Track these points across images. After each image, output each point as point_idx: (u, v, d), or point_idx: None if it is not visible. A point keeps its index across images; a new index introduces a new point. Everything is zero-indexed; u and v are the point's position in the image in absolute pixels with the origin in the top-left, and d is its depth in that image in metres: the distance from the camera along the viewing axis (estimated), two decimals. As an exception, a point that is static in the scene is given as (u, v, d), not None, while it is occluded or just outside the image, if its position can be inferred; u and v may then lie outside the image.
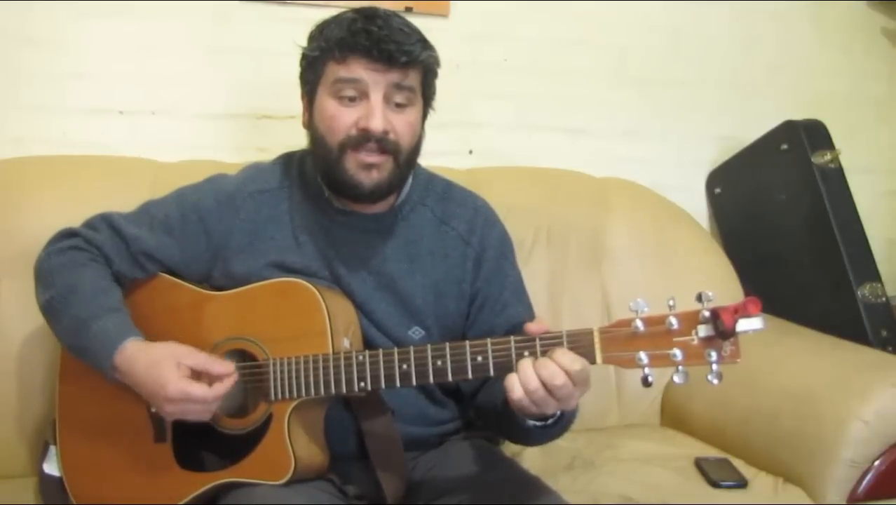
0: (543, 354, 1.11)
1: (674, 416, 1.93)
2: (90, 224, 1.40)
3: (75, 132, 1.86)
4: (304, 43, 1.34)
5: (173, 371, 1.21)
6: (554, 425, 1.22)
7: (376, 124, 1.26)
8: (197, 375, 1.23)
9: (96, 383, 1.31)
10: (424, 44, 1.30)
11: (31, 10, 1.81)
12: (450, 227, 1.41)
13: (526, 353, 1.11)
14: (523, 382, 1.09)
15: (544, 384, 1.08)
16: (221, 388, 1.23)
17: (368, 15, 1.28)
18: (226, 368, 1.24)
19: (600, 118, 2.27)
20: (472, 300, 1.41)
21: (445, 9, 2.09)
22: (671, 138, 2.34)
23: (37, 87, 1.84)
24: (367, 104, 1.27)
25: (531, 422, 1.20)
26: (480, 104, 2.15)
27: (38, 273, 1.38)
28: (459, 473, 1.34)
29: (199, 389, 1.21)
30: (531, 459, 1.65)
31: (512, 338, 1.13)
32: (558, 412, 1.19)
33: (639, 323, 1.07)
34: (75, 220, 1.42)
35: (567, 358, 1.09)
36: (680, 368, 1.05)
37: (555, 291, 1.95)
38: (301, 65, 1.36)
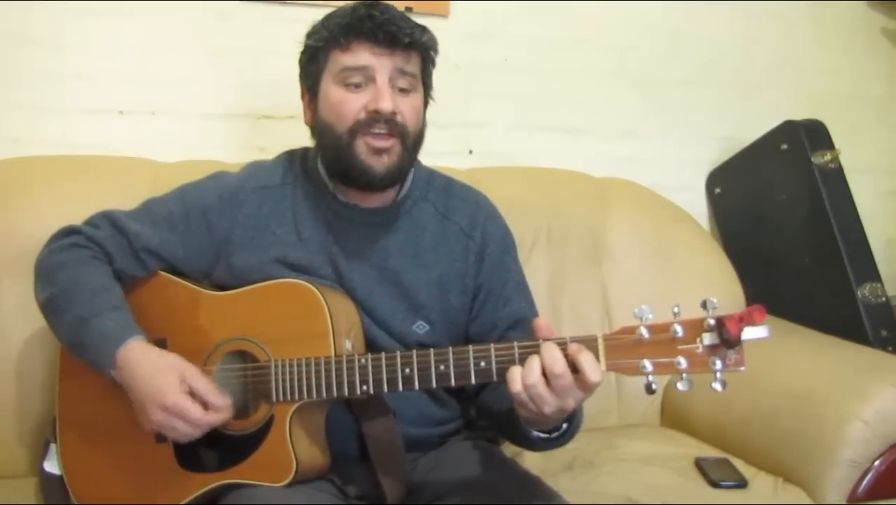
0: None
1: (674, 416, 1.93)
2: (91, 222, 1.40)
3: (75, 132, 1.86)
4: (304, 42, 1.35)
5: (175, 384, 1.22)
6: (558, 438, 1.22)
7: (385, 105, 1.27)
8: (194, 397, 1.23)
9: (97, 382, 1.31)
10: (423, 29, 1.33)
11: (32, 10, 1.81)
12: (452, 222, 1.41)
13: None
14: (524, 373, 1.08)
15: (544, 372, 1.08)
16: (214, 418, 1.23)
17: (369, 4, 1.31)
18: (224, 402, 1.24)
19: (600, 118, 2.27)
20: (475, 295, 1.41)
21: (445, 9, 2.09)
22: (671, 138, 2.34)
23: (37, 87, 1.84)
24: (374, 88, 1.28)
25: (536, 433, 1.20)
26: (480, 104, 2.15)
27: (38, 270, 1.38)
28: (460, 474, 1.35)
29: (194, 410, 1.21)
30: (531, 459, 1.64)
31: (516, 344, 1.13)
32: (564, 426, 1.19)
33: (643, 330, 1.06)
34: (75, 220, 1.42)
35: (587, 359, 1.07)
36: (684, 375, 1.05)
37: (555, 291, 1.95)
38: (301, 59, 1.37)
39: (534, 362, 1.08)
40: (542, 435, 1.21)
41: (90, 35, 1.86)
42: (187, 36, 1.93)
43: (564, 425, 1.21)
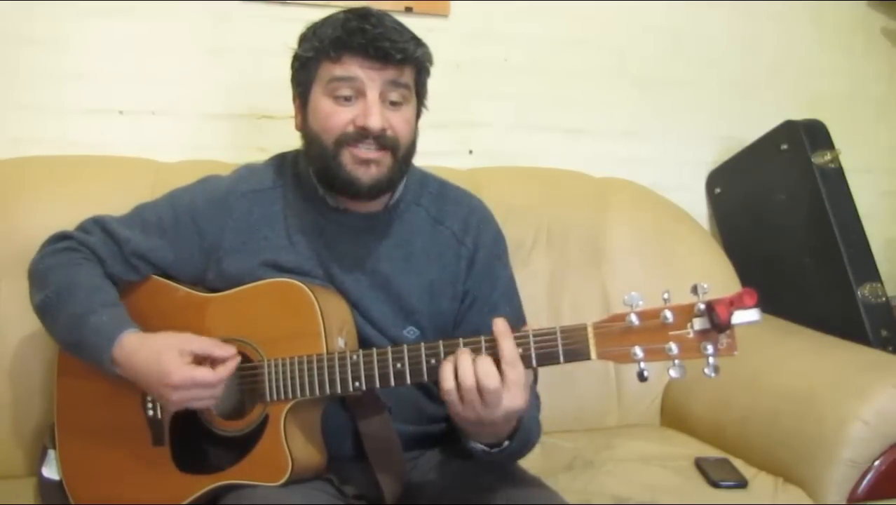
0: (536, 350, 1.10)
1: (674, 416, 1.93)
2: (83, 227, 1.41)
3: (75, 132, 1.86)
4: (295, 49, 1.34)
5: (176, 359, 1.21)
6: (498, 454, 1.21)
7: (374, 122, 1.25)
8: (199, 360, 1.23)
9: (95, 385, 1.31)
10: (417, 42, 1.31)
11: (32, 10, 1.81)
12: (444, 227, 1.41)
13: (520, 349, 1.11)
14: (460, 375, 1.09)
15: (478, 383, 1.08)
16: (225, 370, 1.23)
17: (362, 14, 1.28)
18: (227, 350, 1.24)
19: (600, 118, 2.27)
20: (462, 299, 1.40)
21: (445, 9, 2.09)
22: (671, 138, 2.34)
23: (37, 87, 1.84)
24: (364, 103, 1.26)
25: (474, 444, 1.20)
26: (480, 104, 2.15)
27: (32, 275, 1.38)
28: (459, 473, 1.34)
29: (204, 373, 1.21)
30: (531, 459, 1.63)
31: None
32: (505, 443, 1.19)
33: (633, 317, 1.06)
34: (75, 220, 1.42)
35: (484, 367, 1.08)
36: (676, 361, 1.04)
37: (555, 291, 1.95)
38: (293, 66, 1.35)
39: (466, 362, 1.09)
40: (480, 447, 1.20)
41: (90, 35, 1.86)
42: (187, 36, 1.93)
43: (506, 443, 1.20)
